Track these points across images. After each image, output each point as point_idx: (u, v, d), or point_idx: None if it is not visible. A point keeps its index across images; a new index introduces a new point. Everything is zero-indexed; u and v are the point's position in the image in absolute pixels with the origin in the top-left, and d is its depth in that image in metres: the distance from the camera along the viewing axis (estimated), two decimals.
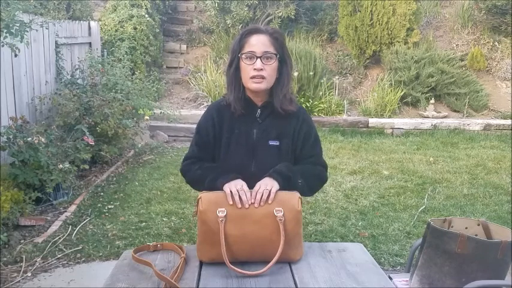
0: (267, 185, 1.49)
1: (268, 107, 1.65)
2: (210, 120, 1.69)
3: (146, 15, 7.47)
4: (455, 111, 7.34)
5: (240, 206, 1.44)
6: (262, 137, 1.64)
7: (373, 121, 6.85)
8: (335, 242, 3.08)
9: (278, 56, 1.60)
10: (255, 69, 1.56)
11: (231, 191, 1.46)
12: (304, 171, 1.65)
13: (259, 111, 1.65)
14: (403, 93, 7.17)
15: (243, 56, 1.58)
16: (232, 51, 1.63)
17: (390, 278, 2.00)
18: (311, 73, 7.19)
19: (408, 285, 1.97)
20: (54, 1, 6.06)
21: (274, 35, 1.60)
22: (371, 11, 7.52)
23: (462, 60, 7.81)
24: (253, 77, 1.58)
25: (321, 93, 7.22)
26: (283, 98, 1.63)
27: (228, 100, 1.65)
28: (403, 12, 7.48)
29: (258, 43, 1.57)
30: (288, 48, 1.67)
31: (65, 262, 3.03)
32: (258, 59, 1.56)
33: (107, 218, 3.70)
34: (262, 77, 1.57)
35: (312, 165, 1.71)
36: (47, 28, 4.28)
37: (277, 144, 1.65)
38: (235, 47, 1.62)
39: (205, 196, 1.47)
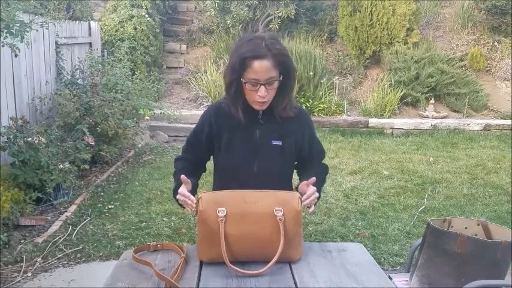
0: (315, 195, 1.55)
1: (269, 110, 1.65)
2: (207, 120, 1.70)
3: (146, 16, 7.47)
4: (455, 111, 7.34)
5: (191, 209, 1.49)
6: (265, 137, 1.65)
7: (373, 121, 6.85)
8: (335, 242, 3.08)
9: (280, 78, 1.57)
10: (259, 95, 1.55)
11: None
12: (323, 179, 1.77)
13: (260, 113, 1.65)
14: (402, 93, 7.17)
15: (247, 83, 1.55)
16: (232, 71, 1.57)
17: (390, 278, 2.01)
18: (311, 73, 7.19)
19: (408, 285, 1.98)
20: (55, 1, 6.07)
21: (276, 57, 1.53)
22: (371, 11, 7.52)
23: (462, 60, 7.81)
24: (256, 101, 1.58)
25: (320, 93, 7.22)
26: (282, 109, 1.64)
27: (229, 109, 1.64)
28: (403, 13, 7.48)
29: (261, 70, 1.52)
30: (291, 61, 1.62)
31: (65, 262, 3.04)
32: (262, 86, 1.54)
33: (107, 218, 3.71)
34: (265, 101, 1.58)
35: (321, 164, 1.81)
36: (47, 28, 4.29)
37: (280, 144, 1.66)
38: (235, 67, 1.55)
39: (205, 196, 1.48)
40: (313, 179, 1.54)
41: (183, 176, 1.54)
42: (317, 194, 1.55)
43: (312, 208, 1.54)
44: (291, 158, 1.70)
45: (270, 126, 1.66)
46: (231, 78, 1.58)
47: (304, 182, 1.56)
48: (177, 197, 1.54)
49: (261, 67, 1.52)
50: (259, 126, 1.65)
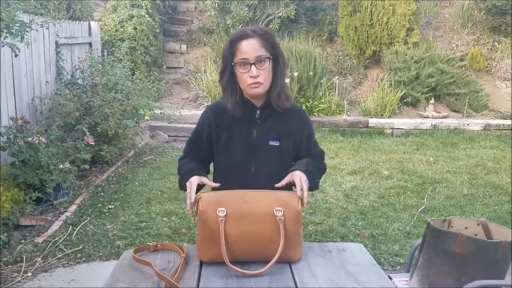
0: (305, 180, 1.53)
1: (267, 108, 1.65)
2: (206, 120, 1.70)
3: (146, 16, 7.47)
4: (455, 111, 7.34)
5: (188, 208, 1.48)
6: (262, 137, 1.65)
7: (373, 121, 6.85)
8: (335, 242, 3.09)
9: (271, 57, 1.58)
10: (251, 76, 1.55)
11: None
12: (319, 169, 1.75)
13: (258, 112, 1.65)
14: (402, 93, 7.17)
15: (237, 64, 1.57)
16: (224, 59, 1.60)
17: (390, 278, 2.01)
18: (311, 73, 7.19)
19: (408, 285, 1.98)
20: (55, 1, 6.07)
21: (263, 36, 1.57)
22: (371, 11, 7.52)
23: (462, 60, 7.81)
24: (250, 84, 1.57)
25: (321, 93, 7.22)
26: (277, 96, 1.62)
27: (226, 105, 1.64)
28: (403, 13, 7.48)
29: (249, 49, 1.54)
30: (279, 46, 1.64)
31: (65, 262, 3.04)
32: (253, 66, 1.54)
33: (107, 218, 3.71)
34: (259, 82, 1.57)
35: (319, 162, 1.79)
36: (47, 28, 4.29)
37: (277, 144, 1.65)
38: (226, 54, 1.59)
39: (206, 196, 1.48)
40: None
41: (204, 178, 1.57)
42: (305, 180, 1.52)
43: (305, 198, 1.49)
44: (288, 158, 1.69)
45: (268, 126, 1.65)
46: (222, 66, 1.62)
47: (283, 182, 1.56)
48: (187, 184, 1.53)
49: (249, 47, 1.55)
50: (257, 126, 1.65)
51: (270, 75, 1.60)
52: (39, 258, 3.03)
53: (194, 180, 1.53)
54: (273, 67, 1.60)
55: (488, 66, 7.95)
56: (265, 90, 1.61)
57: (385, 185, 4.56)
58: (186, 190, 1.54)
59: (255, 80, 1.56)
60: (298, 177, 1.53)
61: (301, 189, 1.49)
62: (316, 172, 1.68)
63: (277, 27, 8.00)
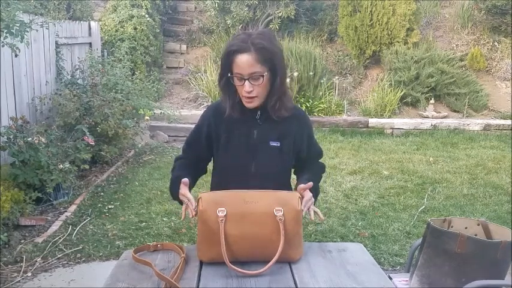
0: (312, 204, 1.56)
1: (266, 109, 1.64)
2: (206, 120, 1.70)
3: (146, 16, 7.47)
4: (455, 111, 7.34)
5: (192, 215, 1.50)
6: (262, 138, 1.64)
7: (373, 121, 6.85)
8: (335, 242, 3.09)
9: (266, 73, 1.55)
10: (244, 90, 1.55)
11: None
12: (319, 177, 1.80)
13: (259, 113, 1.64)
14: (402, 93, 7.17)
15: (234, 78, 1.56)
16: (222, 66, 1.60)
17: (390, 278, 2.01)
18: (311, 73, 7.19)
19: (408, 285, 1.98)
20: (55, 1, 6.07)
21: (261, 53, 1.52)
22: (371, 11, 7.52)
23: (462, 60, 7.81)
24: (244, 97, 1.57)
25: (320, 93, 7.22)
26: (272, 107, 1.61)
27: (225, 106, 1.63)
28: (403, 13, 7.48)
29: (244, 65, 1.52)
30: (279, 55, 1.59)
31: (65, 262, 3.04)
32: (246, 81, 1.53)
33: (107, 218, 3.71)
34: (253, 97, 1.56)
35: (317, 163, 1.81)
36: (47, 28, 4.29)
37: (278, 145, 1.65)
38: (223, 62, 1.58)
39: (205, 196, 1.48)
40: (310, 184, 1.53)
41: (184, 179, 1.54)
42: (313, 200, 1.55)
43: (312, 214, 1.53)
44: (289, 159, 1.69)
45: (268, 127, 1.64)
46: (221, 71, 1.62)
47: (301, 186, 1.54)
48: (180, 197, 1.55)
49: (243, 61, 1.52)
50: (257, 127, 1.64)
51: (265, 89, 1.58)
52: (39, 258, 3.03)
53: (184, 191, 1.54)
54: (270, 79, 1.58)
55: (488, 66, 7.95)
56: (260, 103, 1.60)
57: (385, 185, 4.56)
58: (179, 201, 1.57)
59: (248, 94, 1.56)
60: (307, 199, 1.53)
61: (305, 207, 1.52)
62: (318, 184, 1.75)
63: (277, 27, 8.00)
